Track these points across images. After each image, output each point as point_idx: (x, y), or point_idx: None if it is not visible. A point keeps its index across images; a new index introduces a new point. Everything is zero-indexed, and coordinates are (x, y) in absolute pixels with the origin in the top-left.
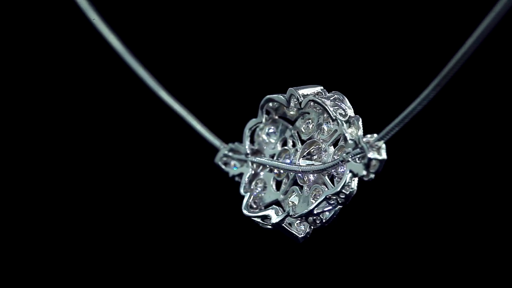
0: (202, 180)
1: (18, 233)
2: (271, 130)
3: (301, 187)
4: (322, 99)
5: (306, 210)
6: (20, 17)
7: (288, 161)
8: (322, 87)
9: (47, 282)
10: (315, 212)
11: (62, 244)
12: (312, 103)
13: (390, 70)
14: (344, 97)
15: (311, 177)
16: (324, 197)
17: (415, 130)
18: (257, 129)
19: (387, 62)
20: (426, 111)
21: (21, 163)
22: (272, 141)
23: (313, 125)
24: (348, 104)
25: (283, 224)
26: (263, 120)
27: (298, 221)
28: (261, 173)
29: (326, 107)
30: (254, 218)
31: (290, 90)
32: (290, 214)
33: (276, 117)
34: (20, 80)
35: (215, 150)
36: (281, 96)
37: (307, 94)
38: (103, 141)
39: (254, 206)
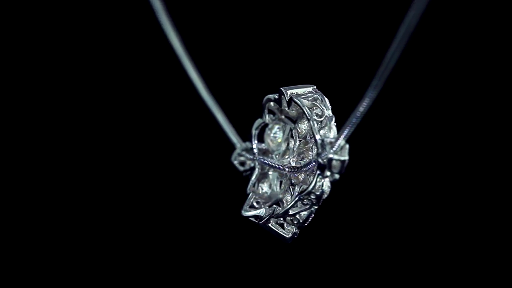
0: (219, 178)
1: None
2: (277, 130)
3: (294, 187)
4: (301, 99)
5: (282, 210)
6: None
7: (285, 161)
8: (314, 86)
9: (52, 280)
10: (290, 212)
11: (67, 238)
12: (293, 103)
13: (397, 69)
14: (324, 96)
15: (301, 177)
16: (297, 197)
17: (400, 129)
18: (266, 129)
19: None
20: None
21: (26, 155)
22: (279, 140)
23: (308, 125)
24: (327, 104)
25: (269, 224)
26: (266, 120)
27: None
28: (270, 173)
29: (303, 108)
30: (250, 218)
31: (280, 89)
32: (274, 214)
33: (283, 116)
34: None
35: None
36: (276, 96)
37: (296, 94)
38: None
39: (256, 206)
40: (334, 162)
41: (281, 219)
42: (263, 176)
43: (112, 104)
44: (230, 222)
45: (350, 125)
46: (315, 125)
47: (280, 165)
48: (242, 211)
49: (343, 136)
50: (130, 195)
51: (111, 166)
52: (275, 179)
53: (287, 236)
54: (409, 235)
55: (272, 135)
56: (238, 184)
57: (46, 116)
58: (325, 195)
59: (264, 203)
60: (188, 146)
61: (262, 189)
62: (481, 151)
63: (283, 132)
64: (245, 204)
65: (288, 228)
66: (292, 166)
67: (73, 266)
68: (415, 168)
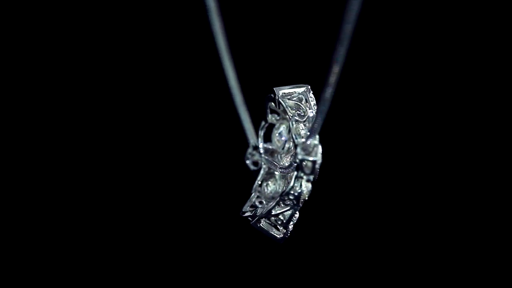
0: (232, 175)
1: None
2: (282, 130)
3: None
4: (286, 99)
5: (266, 210)
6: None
7: (286, 160)
8: (308, 86)
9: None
10: (273, 212)
11: (71, 236)
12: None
13: (403, 69)
14: (309, 97)
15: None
16: (279, 198)
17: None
18: (274, 128)
19: (398, 61)
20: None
21: (31, 150)
22: (284, 140)
23: (301, 125)
24: (311, 104)
25: (260, 224)
26: (269, 120)
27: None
28: (276, 172)
29: (286, 108)
30: (248, 218)
31: (274, 89)
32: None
33: (287, 116)
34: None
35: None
36: (272, 96)
37: (285, 94)
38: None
39: (259, 206)
40: (305, 163)
41: (274, 219)
42: (270, 176)
43: (132, 92)
44: (231, 222)
45: (316, 125)
46: (293, 125)
47: (276, 165)
48: (242, 210)
49: (311, 136)
50: (140, 187)
51: (113, 158)
52: (279, 179)
53: (278, 237)
54: (403, 234)
55: (277, 134)
56: (249, 182)
57: (61, 110)
58: (305, 196)
59: (267, 202)
60: (206, 143)
61: (268, 188)
62: (460, 149)
63: (287, 132)
64: (246, 203)
65: (281, 228)
66: (283, 166)
67: (75, 263)
68: (410, 168)
